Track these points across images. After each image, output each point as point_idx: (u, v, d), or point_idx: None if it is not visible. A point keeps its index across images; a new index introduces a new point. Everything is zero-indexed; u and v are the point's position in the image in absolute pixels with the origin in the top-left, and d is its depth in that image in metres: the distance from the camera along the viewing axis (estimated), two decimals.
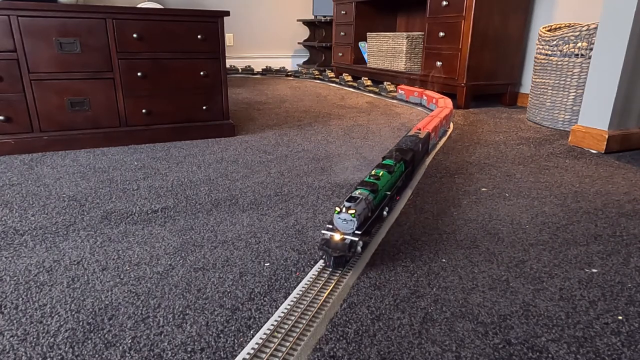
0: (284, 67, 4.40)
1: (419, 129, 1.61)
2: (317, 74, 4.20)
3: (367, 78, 3.55)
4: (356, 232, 0.88)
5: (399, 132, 2.09)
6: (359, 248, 0.91)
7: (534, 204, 1.24)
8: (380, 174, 1.07)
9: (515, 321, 0.74)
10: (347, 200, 0.90)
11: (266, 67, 4.38)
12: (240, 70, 4.37)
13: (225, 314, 0.75)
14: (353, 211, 0.86)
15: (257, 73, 4.40)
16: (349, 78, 3.75)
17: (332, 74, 3.99)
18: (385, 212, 1.07)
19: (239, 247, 0.98)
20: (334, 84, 3.83)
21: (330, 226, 0.91)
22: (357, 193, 0.95)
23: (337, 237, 0.88)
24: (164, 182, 1.38)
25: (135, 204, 1.20)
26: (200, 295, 0.80)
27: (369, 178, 1.05)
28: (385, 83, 3.25)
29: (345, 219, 0.87)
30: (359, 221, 0.88)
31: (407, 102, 2.93)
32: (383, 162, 1.18)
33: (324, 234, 0.91)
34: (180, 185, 1.35)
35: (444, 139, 1.97)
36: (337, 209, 0.88)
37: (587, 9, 2.46)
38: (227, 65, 4.55)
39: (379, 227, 1.08)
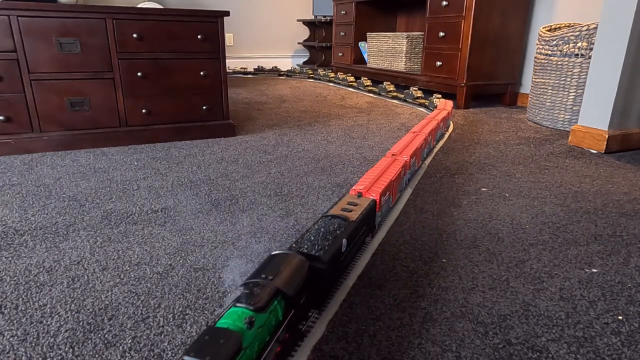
0: (246, 68, 4.41)
1: (359, 193, 0.99)
2: (282, 72, 4.23)
3: (349, 74, 3.58)
4: None
5: (399, 132, 2.09)
6: None
7: (534, 204, 1.24)
8: None
9: (515, 321, 0.74)
10: None
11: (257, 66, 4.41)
12: (248, 70, 4.40)
13: None
14: None
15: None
16: (326, 73, 3.80)
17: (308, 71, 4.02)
18: None
19: (239, 247, 0.98)
20: (323, 82, 3.83)
21: None
22: None
23: None
24: (164, 182, 1.37)
25: (135, 204, 1.20)
26: (200, 295, 0.80)
27: None
28: (434, 95, 2.64)
29: None
30: None
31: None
32: (230, 310, 0.54)
33: None
34: (180, 185, 1.35)
35: (444, 138, 1.97)
36: None
37: (587, 9, 2.46)
38: (240, 67, 4.57)
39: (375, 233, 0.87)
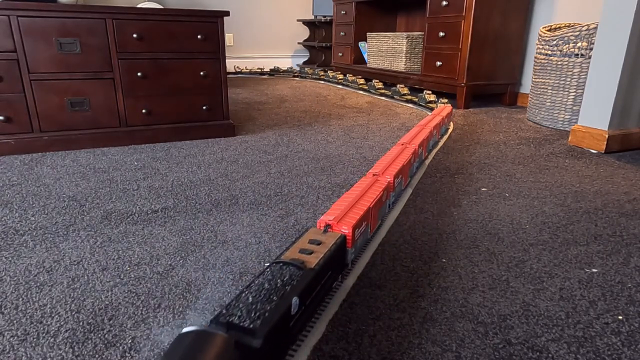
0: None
1: (326, 226, 0.81)
2: (296, 72, 4.20)
3: (359, 76, 3.50)
4: None
5: (399, 131, 2.09)
6: None
7: (534, 204, 1.24)
8: None
9: (515, 321, 0.74)
10: None
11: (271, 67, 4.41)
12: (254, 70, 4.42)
13: None
14: None
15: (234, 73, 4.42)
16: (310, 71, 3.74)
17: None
18: None
19: (239, 247, 0.98)
20: (320, 81, 3.83)
21: None
22: None
23: None
24: (164, 182, 1.37)
25: (135, 204, 1.20)
26: (200, 295, 0.80)
27: None
28: (439, 99, 2.63)
29: None
30: None
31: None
32: None
33: None
34: (180, 185, 1.35)
35: (444, 138, 1.97)
36: None
37: (587, 9, 2.46)
38: (257, 67, 4.59)
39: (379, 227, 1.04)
